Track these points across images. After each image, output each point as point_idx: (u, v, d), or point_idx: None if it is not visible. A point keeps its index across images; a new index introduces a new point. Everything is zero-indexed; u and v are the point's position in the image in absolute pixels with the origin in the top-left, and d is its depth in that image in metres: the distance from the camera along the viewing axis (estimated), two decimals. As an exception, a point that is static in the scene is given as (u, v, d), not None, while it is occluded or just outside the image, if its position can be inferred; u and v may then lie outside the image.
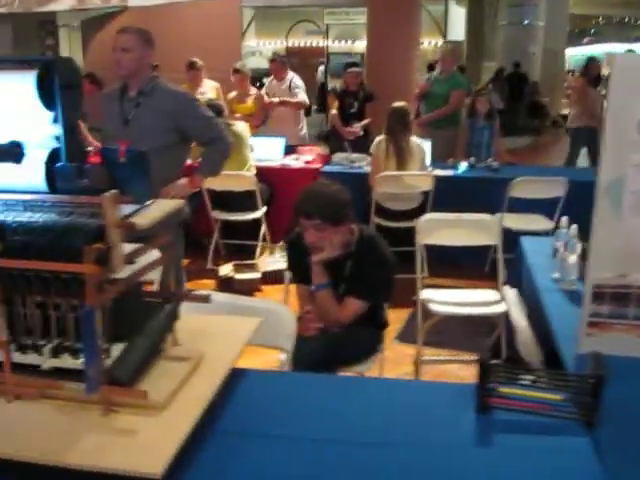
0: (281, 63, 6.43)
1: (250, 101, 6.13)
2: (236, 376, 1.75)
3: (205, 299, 1.74)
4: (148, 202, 1.59)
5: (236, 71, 6.10)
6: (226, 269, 4.68)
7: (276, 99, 6.26)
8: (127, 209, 1.49)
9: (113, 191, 1.41)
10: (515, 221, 4.53)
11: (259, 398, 1.71)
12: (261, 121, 6.08)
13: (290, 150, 5.76)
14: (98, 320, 1.39)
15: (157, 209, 1.60)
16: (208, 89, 6.27)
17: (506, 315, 3.08)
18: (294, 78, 6.44)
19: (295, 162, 5.55)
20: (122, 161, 1.59)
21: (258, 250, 5.16)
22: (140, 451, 1.35)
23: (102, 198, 1.39)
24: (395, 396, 1.73)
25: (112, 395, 1.45)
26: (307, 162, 5.55)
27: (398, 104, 4.96)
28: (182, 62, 6.31)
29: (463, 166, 5.34)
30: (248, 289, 4.50)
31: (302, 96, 6.37)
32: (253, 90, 6.26)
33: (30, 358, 1.51)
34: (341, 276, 2.57)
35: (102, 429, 1.41)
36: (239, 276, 4.58)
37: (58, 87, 1.53)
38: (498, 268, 3.56)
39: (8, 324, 1.48)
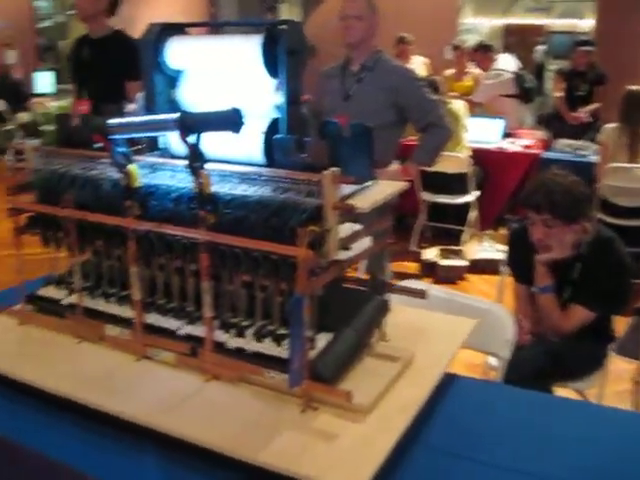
0: (485, 52, 5.93)
1: (468, 79, 5.82)
2: (444, 381, 1.56)
3: (421, 294, 1.56)
4: (368, 183, 1.44)
5: (456, 48, 5.82)
6: (431, 253, 4.49)
7: None
8: (346, 189, 1.35)
9: (334, 169, 1.28)
10: None
11: (470, 412, 1.50)
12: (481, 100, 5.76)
13: (507, 133, 5.38)
14: (307, 309, 1.27)
15: (378, 191, 1.45)
16: (417, 65, 6.06)
17: None
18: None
19: (512, 146, 5.18)
20: (345, 136, 1.45)
21: (466, 236, 4.89)
22: (339, 460, 1.21)
23: (322, 176, 1.26)
24: (626, 431, 1.44)
25: (314, 391, 1.33)
26: (525, 146, 5.15)
27: (634, 88, 4.43)
28: (394, 37, 6.15)
29: None
30: (452, 276, 4.28)
31: None
32: (472, 68, 5.93)
33: (232, 340, 1.43)
34: (567, 280, 2.27)
35: (299, 427, 1.29)
36: (444, 262, 4.37)
37: (284, 53, 1.42)
38: None
39: (213, 301, 1.41)
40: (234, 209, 1.32)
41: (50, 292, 1.71)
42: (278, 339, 1.39)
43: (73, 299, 1.64)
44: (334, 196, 1.28)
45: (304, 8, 9.52)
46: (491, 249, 4.48)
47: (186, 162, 1.30)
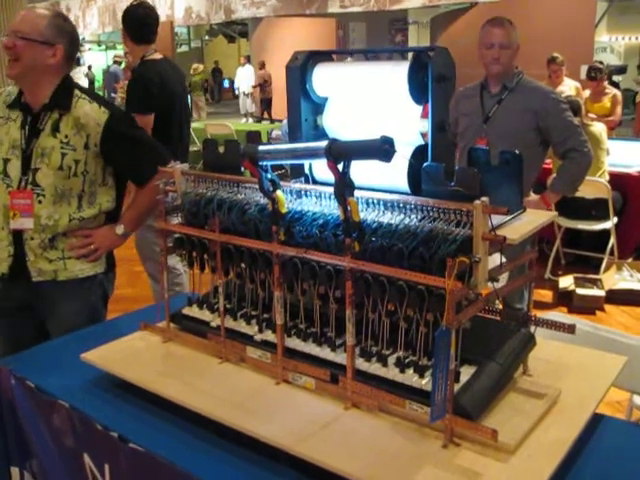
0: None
1: (607, 100, 5.57)
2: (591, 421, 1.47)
3: (570, 329, 1.48)
4: (518, 212, 1.39)
5: (595, 69, 5.58)
6: (566, 281, 4.30)
7: None
8: (494, 218, 1.31)
9: (484, 198, 1.24)
10: None
11: (618, 457, 1.40)
12: (618, 122, 5.49)
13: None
14: (453, 342, 1.23)
15: (527, 222, 1.40)
16: (568, 88, 5.80)
17: None
18: None
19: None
20: (493, 164, 1.41)
21: (604, 264, 4.65)
22: (485, 502, 1.16)
23: (473, 205, 1.22)
24: None
25: (457, 426, 1.29)
26: (671, 171, 4.85)
27: None
28: (532, 57, 5.97)
29: None
30: (590, 307, 4.07)
31: None
32: (610, 88, 5.67)
33: (373, 367, 1.41)
34: None
35: (441, 463, 1.25)
36: (581, 291, 4.16)
37: (432, 79, 1.40)
38: None
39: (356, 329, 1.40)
40: (380, 237, 1.31)
41: (193, 312, 1.77)
42: (421, 370, 1.36)
43: (216, 320, 1.68)
44: (484, 226, 1.24)
45: (432, 30, 9.48)
46: (632, 279, 4.23)
47: (333, 189, 1.30)
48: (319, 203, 1.46)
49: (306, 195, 1.48)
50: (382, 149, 1.20)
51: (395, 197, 1.35)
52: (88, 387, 1.68)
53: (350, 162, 1.28)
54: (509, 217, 1.34)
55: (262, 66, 15.38)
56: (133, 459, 1.47)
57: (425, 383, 1.34)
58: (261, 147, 1.40)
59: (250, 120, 14.86)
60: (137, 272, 4.14)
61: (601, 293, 4.17)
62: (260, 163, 1.41)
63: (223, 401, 1.47)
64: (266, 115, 15.05)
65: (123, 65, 15.29)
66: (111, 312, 2.43)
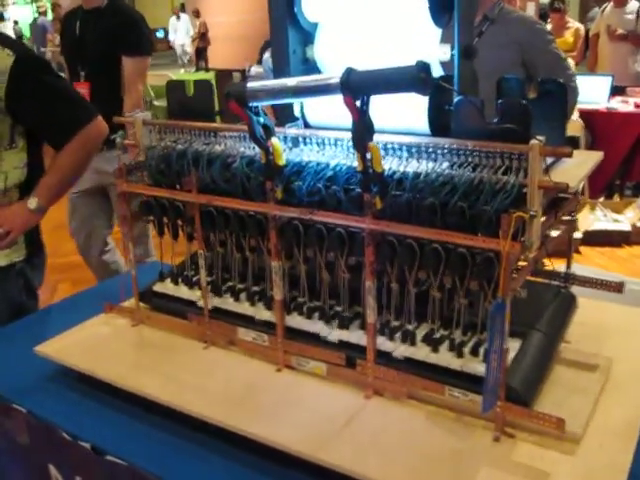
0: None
1: (569, 34, 5.36)
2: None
3: (618, 288, 1.27)
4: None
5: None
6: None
7: (620, 31, 5.17)
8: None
9: (540, 137, 0.99)
10: None
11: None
12: (582, 57, 5.30)
13: (617, 91, 4.92)
14: (507, 315, 1.00)
15: (576, 163, 1.16)
16: (530, 12, 5.48)
17: None
18: None
19: (623, 105, 4.73)
20: (530, 96, 1.16)
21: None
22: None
23: (529, 147, 0.98)
24: None
25: (511, 415, 1.06)
26: (638, 106, 4.70)
27: None
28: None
29: None
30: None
31: None
32: (572, 22, 5.46)
33: (399, 347, 1.18)
34: None
35: (497, 461, 1.02)
36: (554, 233, 3.99)
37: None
38: None
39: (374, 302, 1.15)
40: (408, 191, 1.06)
41: (167, 288, 1.50)
42: (458, 348, 1.13)
43: (196, 296, 1.42)
44: (540, 173, 1.00)
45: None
46: (606, 219, 4.10)
47: (351, 133, 1.03)
48: (323, 152, 1.19)
49: (305, 142, 1.21)
50: (419, 78, 0.94)
51: (424, 140, 1.09)
52: (46, 386, 1.40)
53: (369, 98, 1.02)
54: (554, 160, 1.10)
55: (197, 14, 14.74)
56: (112, 473, 1.21)
57: (464, 363, 1.11)
58: (250, 84, 1.12)
59: (191, 70, 14.25)
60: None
61: (577, 235, 4.01)
62: (250, 104, 1.13)
63: (215, 397, 1.21)
64: (203, 64, 14.48)
65: (50, 17, 14.43)
66: (61, 282, 2.09)
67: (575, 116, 4.36)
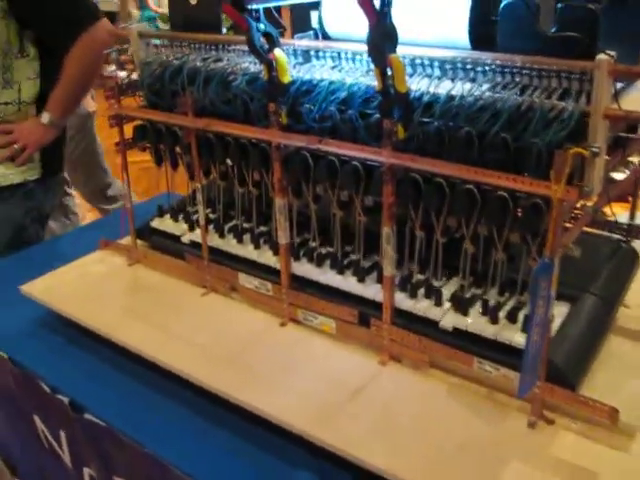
0: None
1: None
2: None
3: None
4: None
5: None
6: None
7: None
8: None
9: (611, 52, 0.77)
10: None
11: None
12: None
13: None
14: (555, 277, 0.80)
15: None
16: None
17: None
18: None
19: None
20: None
21: None
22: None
23: (596, 62, 0.75)
24: None
25: (553, 399, 0.87)
26: None
27: None
28: None
29: None
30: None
31: None
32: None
33: (421, 306, 0.99)
34: None
35: (530, 456, 0.83)
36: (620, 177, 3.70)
37: None
38: None
39: (397, 250, 0.96)
40: (438, 118, 0.85)
41: (165, 224, 1.33)
42: (492, 313, 0.93)
43: (196, 235, 1.24)
44: (608, 98, 0.77)
45: None
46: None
47: (367, 41, 0.82)
48: (339, 68, 0.98)
49: (318, 57, 1.00)
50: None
51: (461, 54, 0.87)
52: (31, 331, 1.25)
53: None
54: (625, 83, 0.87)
55: None
56: (92, 433, 1.07)
57: (498, 331, 0.92)
58: (249, -19, 0.91)
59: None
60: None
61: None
62: (249, 7, 0.92)
63: (208, 354, 1.05)
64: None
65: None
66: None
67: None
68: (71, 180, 2.52)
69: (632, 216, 1.08)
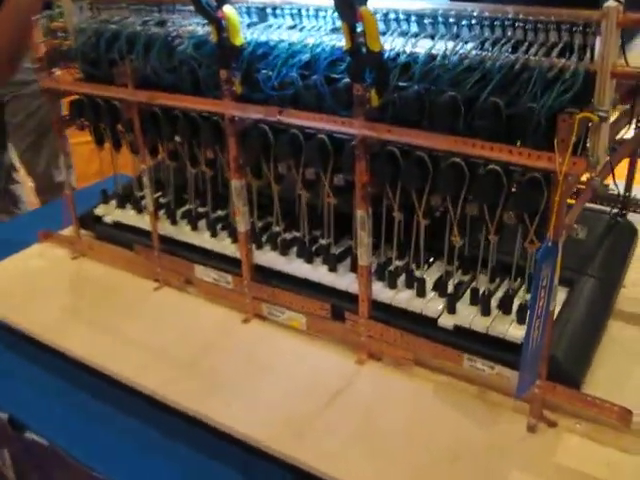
0: None
1: None
2: None
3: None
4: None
5: None
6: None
7: None
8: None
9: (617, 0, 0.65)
10: None
11: None
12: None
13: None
14: (558, 262, 0.69)
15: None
16: None
17: None
18: None
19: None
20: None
21: None
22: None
23: (602, 12, 0.64)
24: None
25: (553, 398, 0.77)
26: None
27: None
28: None
29: None
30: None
31: None
32: None
33: (401, 297, 0.88)
34: None
35: (528, 461, 0.73)
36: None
37: None
38: None
39: (373, 234, 0.84)
40: (417, 81, 0.73)
41: (110, 212, 1.19)
42: (483, 303, 0.83)
43: (144, 223, 1.11)
44: (615, 54, 0.66)
45: None
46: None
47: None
48: (299, 27, 0.85)
49: (275, 15, 0.87)
50: None
51: (442, 5, 0.75)
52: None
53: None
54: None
55: None
56: (34, 452, 0.94)
57: (491, 324, 0.81)
58: None
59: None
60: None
61: None
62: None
63: (162, 360, 0.92)
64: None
65: None
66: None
67: None
68: (31, 165, 2.34)
69: (628, 187, 0.98)
